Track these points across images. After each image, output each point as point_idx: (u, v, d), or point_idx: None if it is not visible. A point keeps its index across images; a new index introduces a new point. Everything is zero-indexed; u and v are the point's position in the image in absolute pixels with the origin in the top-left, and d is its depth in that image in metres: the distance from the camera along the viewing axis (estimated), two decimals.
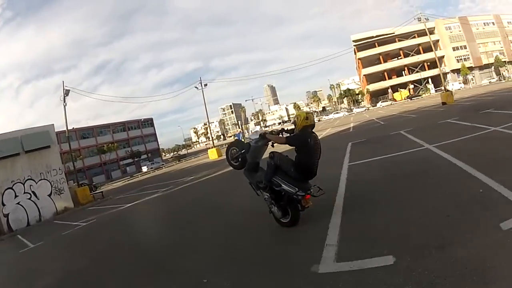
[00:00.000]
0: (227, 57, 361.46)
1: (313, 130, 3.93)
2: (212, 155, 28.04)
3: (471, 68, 66.34)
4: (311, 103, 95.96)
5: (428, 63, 66.69)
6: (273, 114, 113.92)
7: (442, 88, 26.32)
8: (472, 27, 71.28)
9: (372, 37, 64.77)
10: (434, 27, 68.53)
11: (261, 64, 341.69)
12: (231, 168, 4.87)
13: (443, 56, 67.45)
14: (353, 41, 64.35)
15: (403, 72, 66.36)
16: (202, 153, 50.85)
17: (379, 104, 57.91)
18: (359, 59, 64.27)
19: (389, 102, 57.77)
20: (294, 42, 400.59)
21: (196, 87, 31.87)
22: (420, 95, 58.41)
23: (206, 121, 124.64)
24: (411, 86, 64.58)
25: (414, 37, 66.34)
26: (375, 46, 64.76)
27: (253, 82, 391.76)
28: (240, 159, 4.53)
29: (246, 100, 78.07)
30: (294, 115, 4.30)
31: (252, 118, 73.44)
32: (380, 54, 64.76)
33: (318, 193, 3.74)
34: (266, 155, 4.21)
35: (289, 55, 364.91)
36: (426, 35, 69.68)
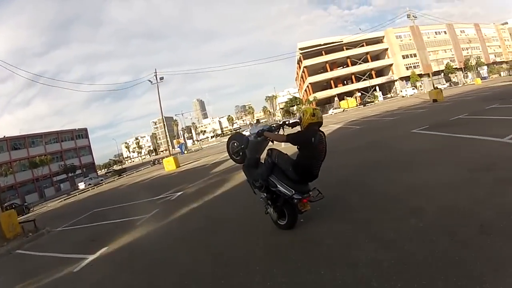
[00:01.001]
0: (159, 70, 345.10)
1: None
2: (169, 165, 21.37)
3: (421, 75, 65.36)
4: (245, 115, 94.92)
5: (376, 71, 65.60)
6: (206, 127, 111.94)
7: (390, 95, 25.68)
8: (423, 36, 70.97)
9: (320, 45, 63.46)
10: (383, 36, 68.06)
11: (192, 78, 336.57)
12: (207, 178, 8.23)
13: (391, 64, 66.51)
14: (300, 48, 62.90)
15: (349, 80, 64.91)
16: (143, 166, 46.61)
17: (330, 112, 55.88)
18: (305, 67, 62.67)
19: (341, 109, 55.77)
20: (225, 56, 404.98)
21: (150, 81, 26.76)
22: (373, 101, 56.89)
23: (137, 136, 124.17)
24: (358, 94, 62.87)
25: (363, 45, 65.48)
26: (322, 54, 63.49)
27: (180, 97, 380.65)
28: (241, 153, 4.10)
29: (176, 115, 75.91)
30: (300, 111, 3.48)
31: (182, 132, 70.84)
32: (326, 62, 63.28)
33: (317, 197, 3.43)
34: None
35: (219, 70, 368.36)
36: (375, 43, 69.64)
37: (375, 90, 62.87)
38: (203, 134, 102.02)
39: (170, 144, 40.46)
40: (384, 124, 13.96)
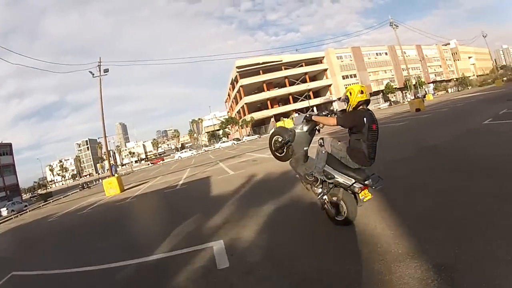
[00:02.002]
0: (85, 90, 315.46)
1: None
2: (111, 188, 15.40)
3: (339, 99, 65.19)
4: (171, 139, 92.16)
5: (313, 92, 64.21)
6: (130, 151, 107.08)
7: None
8: (364, 57, 71.19)
9: (258, 63, 61.10)
10: (323, 57, 67.17)
11: (114, 101, 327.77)
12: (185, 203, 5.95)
13: (330, 85, 65.56)
14: (237, 67, 60.13)
15: (286, 101, 62.96)
16: (71, 190, 39.21)
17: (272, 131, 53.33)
18: (241, 86, 59.73)
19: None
20: (153, 79, 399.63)
21: (91, 72, 20.12)
22: None
23: (62, 158, 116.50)
24: (296, 115, 60.99)
25: (302, 65, 64.03)
26: (260, 74, 61.07)
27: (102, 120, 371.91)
28: (285, 150, 3.76)
29: (98, 138, 70.79)
30: (345, 91, 3.30)
31: (112, 153, 66.35)
32: (264, 82, 60.86)
33: (378, 184, 3.12)
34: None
35: (144, 93, 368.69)
36: (314, 64, 68.50)
37: (312, 110, 61.25)
38: (131, 157, 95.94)
39: (109, 162, 34.80)
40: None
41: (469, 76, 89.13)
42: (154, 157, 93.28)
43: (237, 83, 62.01)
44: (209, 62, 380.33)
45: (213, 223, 4.91)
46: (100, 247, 5.28)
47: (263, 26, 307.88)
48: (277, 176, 7.82)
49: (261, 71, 60.95)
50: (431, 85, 79.60)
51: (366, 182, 3.06)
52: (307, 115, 3.59)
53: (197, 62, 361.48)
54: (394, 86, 71.33)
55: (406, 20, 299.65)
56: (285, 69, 62.34)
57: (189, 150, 59.59)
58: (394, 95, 71.12)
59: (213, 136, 65.57)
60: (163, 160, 63.36)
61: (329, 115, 3.55)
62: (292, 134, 3.62)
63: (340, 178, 3.17)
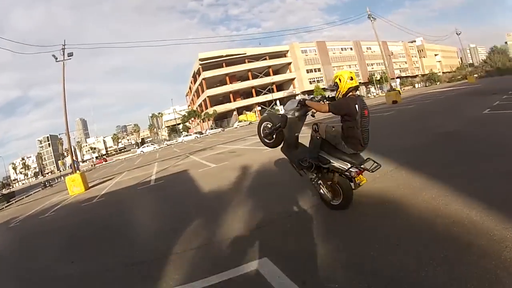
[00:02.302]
0: (46, 86, 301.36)
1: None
2: (75, 186, 13.60)
3: (325, 89, 65.74)
4: (131, 134, 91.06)
5: (276, 85, 64.35)
6: (90, 146, 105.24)
7: None
8: (329, 51, 71.98)
9: (222, 56, 60.45)
10: (287, 50, 67.34)
11: (74, 96, 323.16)
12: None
13: (293, 78, 65.87)
14: (200, 59, 59.21)
15: (249, 94, 62.77)
16: (33, 189, 36.54)
17: (235, 125, 52.73)
18: (204, 79, 58.93)
19: (247, 122, 52.93)
20: (110, 74, 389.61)
21: (54, 56, 17.53)
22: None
23: (24, 156, 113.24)
24: (258, 108, 60.92)
25: (265, 59, 63.93)
26: (223, 66, 60.50)
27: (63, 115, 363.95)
28: (274, 136, 3.74)
29: (59, 134, 68.56)
30: (333, 77, 3.35)
31: (73, 149, 64.53)
32: (227, 75, 60.33)
33: (374, 167, 3.08)
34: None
35: (102, 88, 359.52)
36: (278, 57, 68.64)
37: (275, 104, 61.34)
38: (92, 153, 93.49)
39: (72, 158, 33.08)
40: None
41: (437, 73, 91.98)
42: (114, 152, 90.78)
43: (199, 75, 61.16)
44: (169, 56, 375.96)
45: (232, 230, 3.52)
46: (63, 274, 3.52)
47: (224, 20, 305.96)
48: (274, 166, 6.79)
49: (224, 64, 60.37)
50: (398, 80, 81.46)
51: (362, 166, 3.07)
52: (301, 100, 3.52)
53: (157, 57, 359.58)
54: (359, 81, 72.55)
55: (370, 18, 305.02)
56: (249, 62, 62.00)
57: (151, 144, 58.20)
58: (359, 89, 72.43)
59: (173, 131, 64.47)
60: (105, 160, 58.74)
61: (321, 101, 3.51)
62: (284, 120, 3.55)
63: (336, 163, 3.17)
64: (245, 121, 53.99)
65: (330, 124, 3.43)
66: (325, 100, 3.56)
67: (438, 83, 76.76)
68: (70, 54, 18.11)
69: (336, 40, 74.86)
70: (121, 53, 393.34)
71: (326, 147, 3.31)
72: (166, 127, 74.04)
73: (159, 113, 75.40)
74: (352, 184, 3.23)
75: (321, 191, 3.43)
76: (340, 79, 3.22)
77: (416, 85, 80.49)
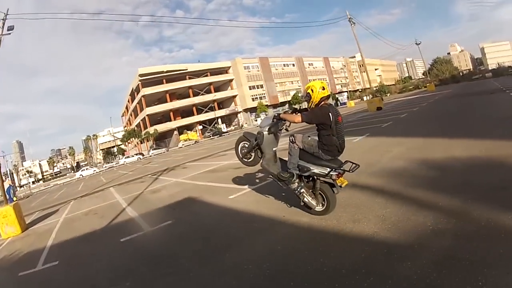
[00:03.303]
0: None
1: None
2: (8, 226, 8.71)
3: (268, 106, 67.25)
4: (65, 158, 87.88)
5: (218, 103, 64.57)
6: (27, 170, 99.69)
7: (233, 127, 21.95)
8: (272, 68, 74.03)
9: (162, 72, 58.83)
10: (229, 67, 67.81)
11: (10, 118, 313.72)
12: None
13: (235, 96, 66.53)
14: (140, 75, 57.07)
15: (189, 112, 61.99)
16: None
17: (179, 144, 51.00)
18: (143, 96, 56.99)
19: (192, 141, 51.37)
20: (42, 96, 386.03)
21: None
22: (226, 132, 55.54)
23: None
24: (200, 127, 60.47)
25: (207, 75, 63.78)
26: (163, 83, 59.01)
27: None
28: (253, 154, 3.97)
29: None
30: (305, 89, 3.54)
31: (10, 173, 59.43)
32: (167, 92, 59.01)
33: (353, 167, 3.21)
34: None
35: (36, 110, 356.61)
36: (220, 74, 69.01)
37: (217, 123, 61.39)
38: (29, 177, 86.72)
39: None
40: None
41: (387, 85, 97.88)
42: (50, 177, 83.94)
43: (138, 93, 58.99)
44: (104, 79, 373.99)
45: None
46: None
47: (158, 42, 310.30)
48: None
49: (164, 80, 58.84)
50: (345, 94, 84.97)
51: (342, 169, 3.21)
52: (276, 114, 3.73)
53: (88, 80, 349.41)
54: (300, 95, 75.47)
55: (303, 38, 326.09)
56: (190, 78, 61.29)
57: (90, 167, 54.23)
58: (300, 105, 75.20)
59: (109, 153, 61.29)
60: None
61: (294, 113, 3.67)
62: (261, 137, 3.70)
63: (316, 169, 3.30)
64: (190, 139, 52.87)
65: (307, 134, 3.61)
66: (296, 111, 3.72)
67: (388, 94, 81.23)
68: (11, 28, 14.82)
69: (278, 56, 77.20)
70: (56, 75, 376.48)
71: (304, 156, 3.44)
72: (101, 149, 70.29)
73: (93, 135, 71.17)
74: (334, 189, 3.35)
75: (305, 199, 3.50)
76: (312, 90, 3.36)
77: (365, 98, 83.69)
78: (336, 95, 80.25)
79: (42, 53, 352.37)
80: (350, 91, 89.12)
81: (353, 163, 3.24)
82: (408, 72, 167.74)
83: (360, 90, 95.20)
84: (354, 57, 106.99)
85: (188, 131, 58.19)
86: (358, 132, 10.88)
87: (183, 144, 49.82)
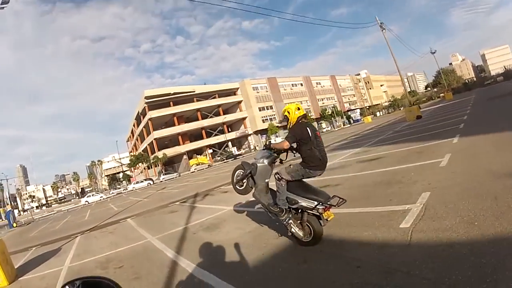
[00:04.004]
0: None
1: None
2: None
3: (279, 127, 65.10)
4: (70, 183, 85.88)
5: (227, 126, 62.39)
6: (30, 194, 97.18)
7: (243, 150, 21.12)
8: (280, 88, 72.49)
9: (169, 94, 57.02)
10: (238, 88, 66.19)
11: (14, 142, 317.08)
12: None
13: (245, 118, 64.46)
14: (146, 97, 55.14)
15: (192, 136, 59.44)
16: None
17: (192, 169, 48.12)
18: (150, 119, 54.75)
19: (205, 165, 48.56)
20: (46, 121, 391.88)
21: None
22: (240, 155, 52.81)
23: None
24: (210, 151, 57.99)
25: (215, 97, 62.01)
26: (170, 105, 57.04)
27: (3, 162, 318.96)
28: (245, 182, 4.14)
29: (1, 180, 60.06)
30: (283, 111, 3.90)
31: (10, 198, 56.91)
32: (174, 115, 56.96)
33: (340, 202, 3.33)
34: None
35: (40, 135, 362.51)
36: (228, 95, 67.26)
37: (227, 146, 59.00)
38: (31, 202, 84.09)
39: None
40: None
41: (400, 98, 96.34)
42: (54, 202, 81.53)
43: (144, 116, 56.94)
44: (105, 107, 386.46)
45: None
46: None
47: (159, 68, 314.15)
48: None
49: (171, 103, 57.01)
50: (358, 111, 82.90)
51: (329, 203, 3.31)
52: (267, 143, 4.03)
53: (91, 106, 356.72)
54: (311, 116, 73.49)
55: (302, 60, 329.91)
56: (197, 101, 59.46)
57: (96, 193, 51.19)
58: (270, 141, 72.25)
59: (114, 180, 58.69)
60: None
61: (268, 147, 3.98)
62: (254, 167, 3.94)
63: (304, 203, 3.43)
64: (202, 163, 50.03)
65: (287, 164, 3.84)
66: (266, 147, 4.02)
67: (401, 107, 79.15)
68: (5, 2, 13.18)
69: (286, 76, 75.83)
70: (60, 100, 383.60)
71: (292, 188, 3.55)
72: (106, 175, 67.91)
73: (98, 161, 68.82)
74: (321, 221, 3.41)
75: (292, 229, 3.60)
76: (288, 112, 3.70)
77: (377, 114, 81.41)
78: (349, 113, 78.61)
79: (44, 79, 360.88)
80: (362, 108, 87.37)
81: (340, 198, 3.32)
82: (410, 87, 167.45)
83: (368, 107, 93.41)
84: (359, 74, 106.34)
85: (197, 155, 55.68)
86: (438, 135, 9.84)
87: (195, 169, 46.92)
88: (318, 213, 3.31)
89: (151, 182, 43.14)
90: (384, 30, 27.86)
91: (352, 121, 70.22)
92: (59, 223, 18.74)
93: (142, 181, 46.66)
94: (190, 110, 58.13)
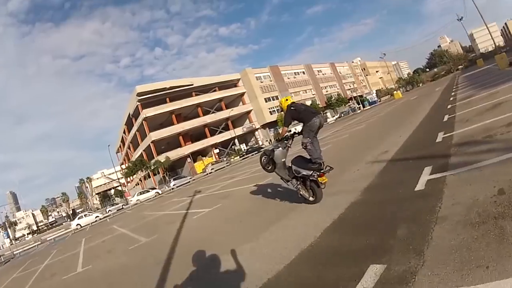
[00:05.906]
0: None
1: None
2: None
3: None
4: (60, 206, 78.63)
5: (232, 121, 55.73)
6: (20, 221, 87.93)
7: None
8: (284, 77, 66.66)
9: (165, 88, 49.60)
10: (239, 79, 59.58)
11: (1, 168, 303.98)
12: None
13: (250, 111, 57.94)
14: (138, 94, 47.46)
15: (193, 135, 52.28)
16: None
17: (209, 169, 39.58)
18: (145, 119, 47.09)
19: (224, 164, 40.41)
20: (31, 143, 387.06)
21: None
22: (248, 155, 45.12)
23: None
24: (216, 151, 51.16)
25: (215, 90, 55.15)
26: (167, 102, 49.63)
27: None
28: (271, 164, 5.34)
29: None
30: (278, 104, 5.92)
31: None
32: (172, 112, 49.60)
33: (327, 169, 4.74)
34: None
35: (27, 158, 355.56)
36: (229, 87, 59.65)
37: (234, 144, 52.43)
38: (23, 230, 74.84)
39: None
40: None
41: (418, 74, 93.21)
42: (46, 228, 72.62)
43: (137, 118, 49.33)
44: (90, 123, 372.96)
45: None
46: None
47: (140, 81, 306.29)
48: None
49: (168, 99, 49.69)
50: (374, 91, 78.90)
51: (322, 170, 4.66)
52: (276, 138, 5.71)
53: (79, 124, 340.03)
54: (319, 105, 67.89)
55: (281, 61, 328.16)
56: (196, 95, 52.42)
57: (89, 213, 40.63)
58: (325, 112, 66.27)
59: (105, 197, 51.06)
60: None
61: (291, 139, 5.40)
62: (273, 153, 5.20)
63: (304, 172, 4.70)
64: (217, 162, 42.13)
65: (277, 151, 5.17)
66: (296, 134, 5.50)
67: (420, 84, 75.77)
68: None
69: (288, 65, 69.99)
70: (45, 120, 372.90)
71: (297, 163, 4.86)
72: (97, 194, 60.18)
73: (87, 178, 60.72)
74: (321, 185, 4.75)
75: (301, 192, 4.93)
76: (281, 104, 5.22)
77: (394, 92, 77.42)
78: (364, 96, 74.34)
79: (28, 99, 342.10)
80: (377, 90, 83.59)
81: (330, 167, 4.79)
82: (397, 74, 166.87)
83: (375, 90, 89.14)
84: (352, 62, 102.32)
85: (202, 158, 48.76)
86: None
87: (212, 169, 38.75)
88: (315, 179, 4.63)
89: (159, 191, 35.55)
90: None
91: (368, 104, 65.48)
92: (38, 267, 11.21)
93: (148, 191, 38.43)
94: (189, 106, 50.99)
